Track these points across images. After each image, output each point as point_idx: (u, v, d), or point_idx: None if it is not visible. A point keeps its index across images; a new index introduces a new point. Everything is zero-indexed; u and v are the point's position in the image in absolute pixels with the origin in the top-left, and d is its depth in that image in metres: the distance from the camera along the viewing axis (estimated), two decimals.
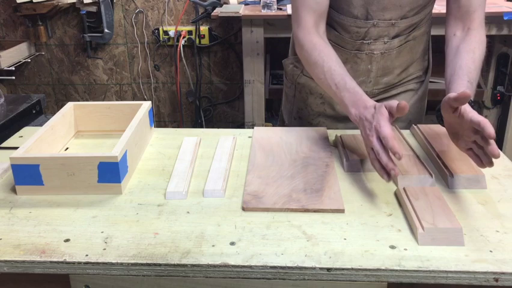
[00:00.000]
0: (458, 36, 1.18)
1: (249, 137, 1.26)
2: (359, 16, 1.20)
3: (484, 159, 0.91)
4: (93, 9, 2.77)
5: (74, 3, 2.77)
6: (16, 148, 1.00)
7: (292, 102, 1.47)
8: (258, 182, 1.00)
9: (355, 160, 1.07)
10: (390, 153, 0.91)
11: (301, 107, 1.44)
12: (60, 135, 1.18)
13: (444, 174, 1.02)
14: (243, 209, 0.92)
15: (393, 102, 0.94)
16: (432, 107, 1.23)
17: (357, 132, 1.26)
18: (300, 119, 1.45)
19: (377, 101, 1.33)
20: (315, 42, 1.16)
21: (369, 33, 1.22)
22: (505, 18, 2.24)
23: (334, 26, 1.26)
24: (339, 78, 1.10)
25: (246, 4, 2.66)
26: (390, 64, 1.28)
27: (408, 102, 1.35)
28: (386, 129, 0.92)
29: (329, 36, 1.26)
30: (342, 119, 1.38)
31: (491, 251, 0.79)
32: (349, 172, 1.06)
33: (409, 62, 1.30)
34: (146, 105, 1.23)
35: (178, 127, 2.79)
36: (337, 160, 1.12)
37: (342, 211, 0.90)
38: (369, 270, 0.76)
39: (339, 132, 1.26)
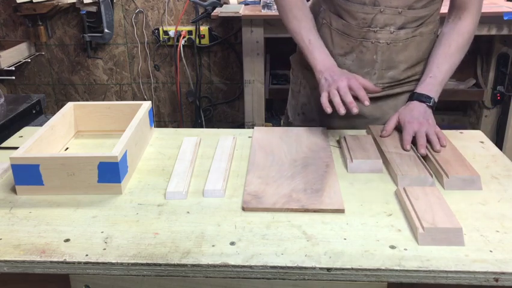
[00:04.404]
0: (450, 22, 1.30)
1: (249, 137, 1.26)
2: (366, 2, 1.22)
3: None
4: (93, 9, 2.77)
5: (74, 3, 2.77)
6: (16, 148, 1.00)
7: (297, 98, 1.48)
8: (258, 182, 1.00)
9: (359, 161, 1.07)
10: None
11: (305, 102, 1.45)
12: (60, 135, 1.18)
13: (439, 175, 1.02)
14: (243, 209, 0.92)
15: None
16: (436, 107, 1.23)
17: (360, 132, 1.26)
18: (304, 115, 1.46)
19: (381, 97, 1.34)
20: (297, 1, 1.30)
21: (375, 20, 1.23)
22: (505, 18, 2.24)
23: (341, 14, 1.27)
24: (315, 37, 1.27)
25: (246, 4, 2.66)
26: (395, 57, 1.28)
27: None
28: (358, 83, 1.14)
29: (336, 25, 1.29)
30: (345, 116, 1.38)
31: (491, 251, 0.79)
32: (352, 173, 1.06)
33: (415, 59, 1.31)
34: (146, 105, 1.23)
35: (178, 127, 2.78)
36: (337, 160, 1.12)
37: (342, 211, 0.90)
38: (369, 270, 0.76)
39: (340, 130, 1.27)
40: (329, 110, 1.13)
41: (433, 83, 1.24)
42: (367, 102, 1.11)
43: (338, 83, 1.15)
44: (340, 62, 1.30)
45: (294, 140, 1.19)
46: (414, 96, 1.24)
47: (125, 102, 1.28)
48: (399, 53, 1.28)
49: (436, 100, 1.23)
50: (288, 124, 1.52)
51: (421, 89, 1.24)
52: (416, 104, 1.21)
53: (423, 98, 1.22)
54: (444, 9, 1.31)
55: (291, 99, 1.51)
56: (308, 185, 0.98)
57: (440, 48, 1.28)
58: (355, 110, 1.09)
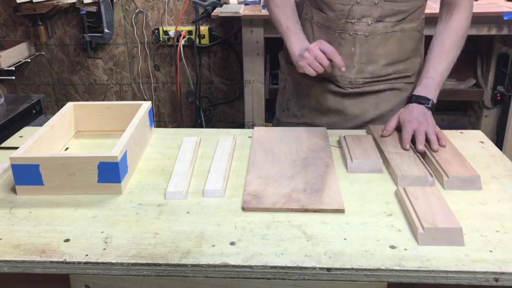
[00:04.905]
0: (442, 20, 1.31)
1: (249, 137, 1.26)
2: None
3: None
4: (93, 9, 2.77)
5: (74, 3, 2.77)
6: (16, 148, 1.00)
7: (283, 94, 1.50)
8: (258, 182, 1.00)
9: (360, 161, 1.07)
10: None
11: (289, 98, 1.47)
12: (60, 135, 1.17)
13: (439, 175, 1.02)
14: (243, 209, 0.92)
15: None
16: (436, 107, 1.23)
17: (360, 132, 1.26)
18: (288, 111, 1.48)
19: (362, 94, 1.34)
20: None
21: (352, 11, 1.24)
22: (505, 18, 2.24)
23: (321, 7, 1.29)
24: (293, 23, 1.31)
25: (246, 4, 2.66)
26: (374, 51, 1.28)
27: (392, 101, 1.37)
28: (331, 47, 1.18)
29: (316, 19, 1.31)
30: (326, 112, 1.39)
31: (491, 251, 0.79)
32: (352, 173, 1.06)
33: (396, 55, 1.31)
34: (146, 105, 1.23)
35: (178, 127, 2.79)
36: (337, 160, 1.12)
37: (342, 211, 0.90)
38: (369, 270, 0.76)
39: (340, 130, 1.26)
40: (312, 71, 1.18)
41: (431, 84, 1.25)
42: (343, 68, 1.16)
43: (310, 47, 1.19)
44: None
45: (294, 140, 1.19)
46: (413, 99, 1.24)
47: (125, 102, 1.28)
48: (378, 46, 1.28)
49: (435, 101, 1.23)
50: (276, 121, 1.54)
51: (419, 90, 1.25)
52: (416, 106, 1.22)
53: (422, 100, 1.22)
54: (431, 10, 1.31)
55: (279, 95, 1.53)
56: (308, 185, 0.99)
57: (434, 47, 1.28)
58: (343, 68, 1.16)
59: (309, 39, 1.31)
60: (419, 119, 1.17)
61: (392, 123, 1.21)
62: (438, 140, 1.13)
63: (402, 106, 1.34)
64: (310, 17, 1.33)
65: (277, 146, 1.16)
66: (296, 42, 1.27)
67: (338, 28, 1.28)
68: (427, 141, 1.13)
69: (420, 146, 1.11)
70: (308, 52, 1.18)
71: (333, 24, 1.28)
